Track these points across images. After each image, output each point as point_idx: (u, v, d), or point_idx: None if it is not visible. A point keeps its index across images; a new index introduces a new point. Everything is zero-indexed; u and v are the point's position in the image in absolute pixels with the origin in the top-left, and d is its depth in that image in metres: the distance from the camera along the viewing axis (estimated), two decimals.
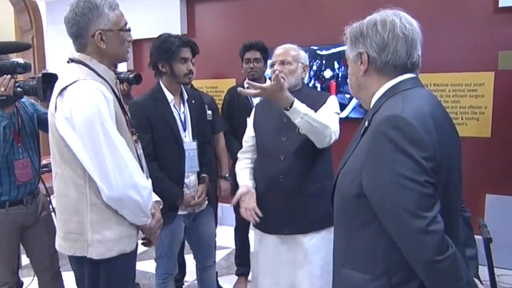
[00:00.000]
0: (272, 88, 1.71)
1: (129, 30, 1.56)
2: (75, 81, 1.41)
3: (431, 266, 1.00)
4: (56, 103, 1.42)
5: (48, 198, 2.27)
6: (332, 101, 2.00)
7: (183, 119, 2.23)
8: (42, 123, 2.20)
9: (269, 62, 3.09)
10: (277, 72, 1.81)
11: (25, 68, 2.00)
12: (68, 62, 1.52)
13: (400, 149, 1.01)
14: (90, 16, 1.45)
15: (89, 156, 1.39)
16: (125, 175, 1.42)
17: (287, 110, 1.74)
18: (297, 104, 1.74)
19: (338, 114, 2.00)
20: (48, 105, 2.11)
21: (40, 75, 1.87)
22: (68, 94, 1.40)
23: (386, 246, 1.08)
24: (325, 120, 1.82)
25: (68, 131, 1.40)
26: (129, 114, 1.66)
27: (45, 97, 1.95)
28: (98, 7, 1.46)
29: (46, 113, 2.18)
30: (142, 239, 1.65)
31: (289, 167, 1.92)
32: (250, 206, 1.94)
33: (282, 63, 1.98)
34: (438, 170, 1.03)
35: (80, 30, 1.47)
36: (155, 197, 1.66)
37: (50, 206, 2.28)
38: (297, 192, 1.94)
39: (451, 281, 1.01)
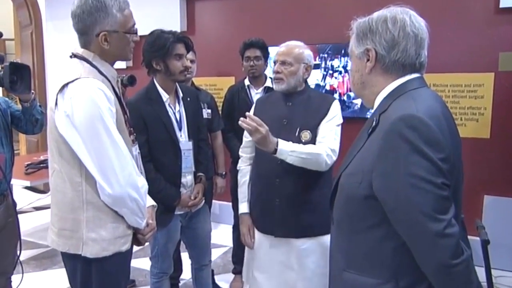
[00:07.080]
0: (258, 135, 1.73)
1: (135, 32, 1.53)
2: (77, 79, 1.39)
3: (446, 270, 0.97)
4: (56, 100, 1.40)
5: (12, 200, 2.09)
6: (335, 110, 1.95)
7: (178, 118, 2.18)
8: (16, 120, 2.15)
9: (271, 58, 3.09)
10: (245, 125, 1.75)
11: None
12: (71, 57, 1.50)
13: (416, 149, 0.96)
14: (97, 16, 1.43)
15: (90, 154, 1.38)
16: (126, 173, 1.42)
17: (275, 153, 1.77)
18: (282, 144, 1.77)
19: (340, 125, 1.96)
20: (18, 100, 2.07)
21: (8, 64, 1.82)
22: (70, 92, 1.38)
23: (394, 249, 1.05)
24: (315, 148, 1.84)
25: (68, 129, 1.38)
26: (128, 114, 1.64)
27: (14, 89, 1.91)
28: (107, 7, 1.43)
29: (19, 111, 2.15)
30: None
31: (285, 172, 1.89)
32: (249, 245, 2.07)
33: (283, 63, 1.94)
34: (452, 171, 1.00)
35: (85, 28, 1.46)
36: (151, 201, 1.65)
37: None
38: (292, 196, 1.91)
39: (463, 285, 0.99)
